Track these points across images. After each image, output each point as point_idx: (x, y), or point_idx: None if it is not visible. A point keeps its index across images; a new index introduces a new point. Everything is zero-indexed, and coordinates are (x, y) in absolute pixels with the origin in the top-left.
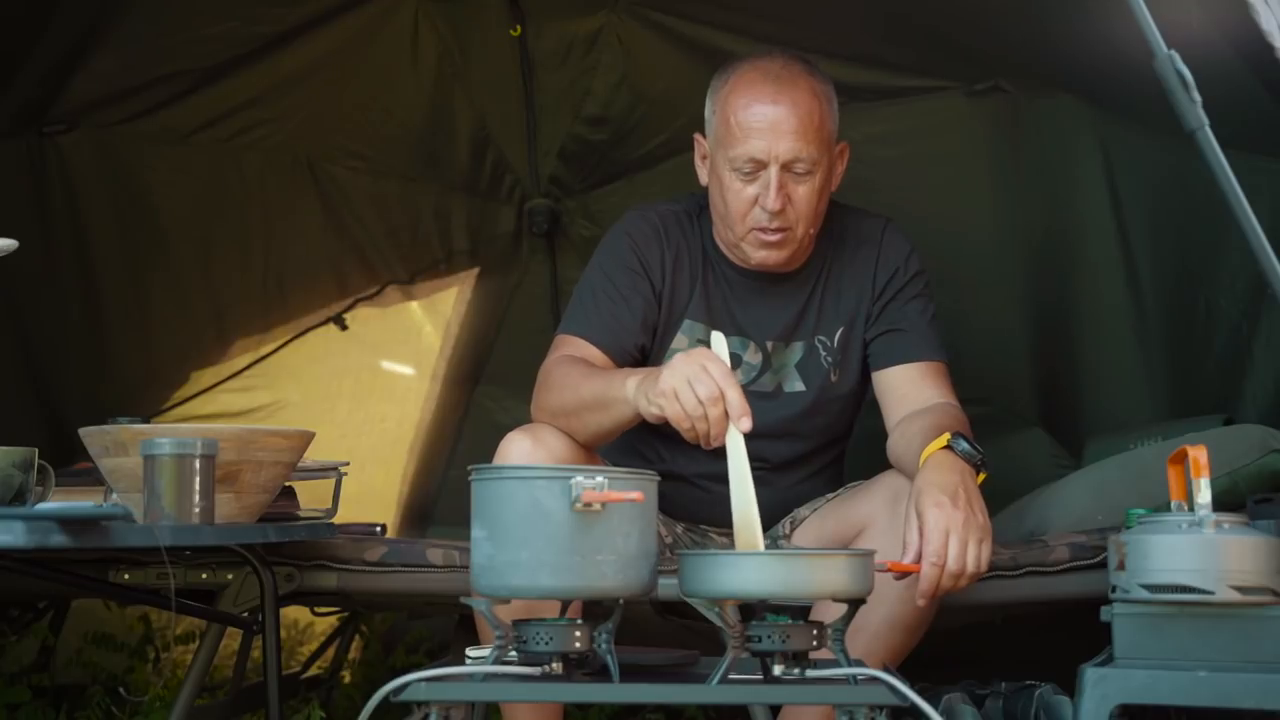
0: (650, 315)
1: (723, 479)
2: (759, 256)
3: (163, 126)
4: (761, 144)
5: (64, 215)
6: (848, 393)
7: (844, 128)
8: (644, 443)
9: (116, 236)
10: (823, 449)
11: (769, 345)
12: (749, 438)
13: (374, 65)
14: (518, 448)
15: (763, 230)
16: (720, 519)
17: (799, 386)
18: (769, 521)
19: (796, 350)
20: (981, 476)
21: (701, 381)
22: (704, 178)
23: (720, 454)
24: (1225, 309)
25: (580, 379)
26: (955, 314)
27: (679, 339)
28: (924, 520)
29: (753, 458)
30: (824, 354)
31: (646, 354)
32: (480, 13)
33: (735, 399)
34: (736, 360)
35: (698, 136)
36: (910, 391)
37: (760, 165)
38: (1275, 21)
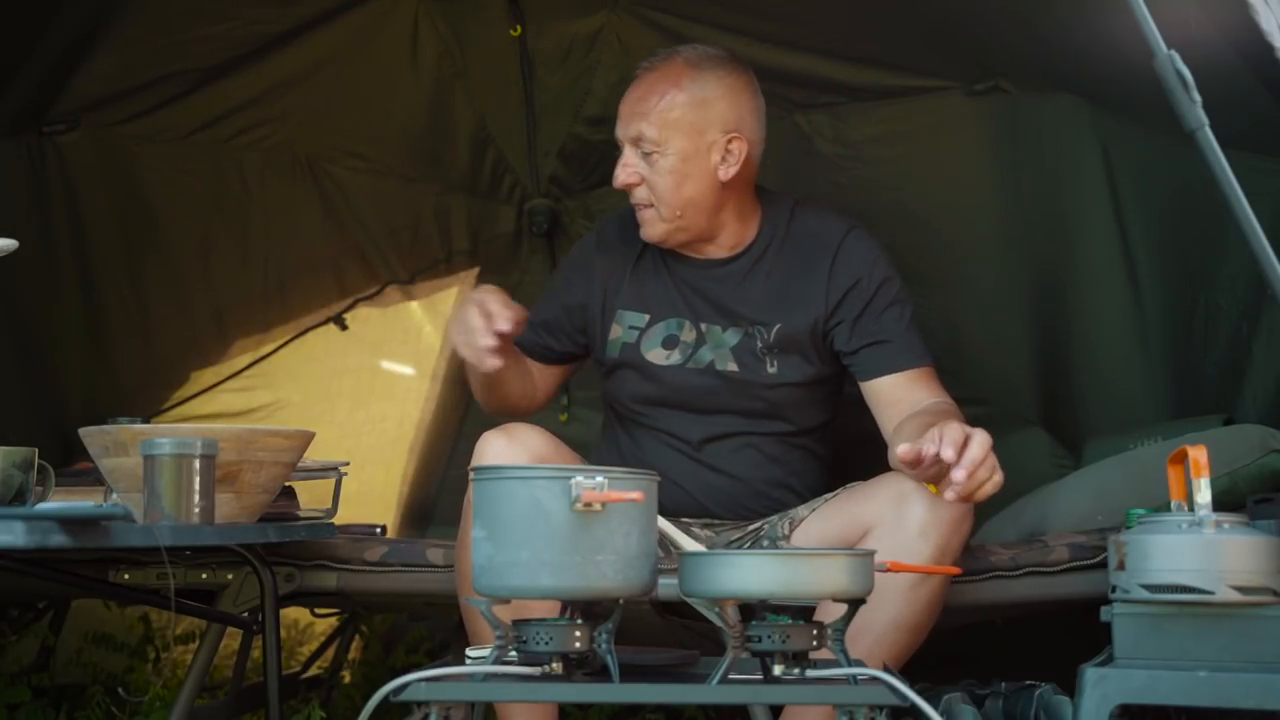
0: (567, 321)
1: (693, 473)
2: (641, 233)
3: (163, 126)
4: (618, 123)
5: (64, 215)
6: (789, 384)
7: (844, 128)
8: (617, 438)
9: (116, 236)
10: (774, 437)
11: (703, 327)
12: (689, 410)
13: (374, 65)
14: (493, 447)
15: (635, 206)
16: (695, 509)
17: (731, 367)
18: (729, 507)
19: (731, 335)
20: None
21: (469, 303)
22: None
23: (687, 447)
24: (1225, 309)
25: None
26: (955, 314)
27: (614, 329)
28: (945, 430)
29: (690, 436)
30: (759, 344)
31: (553, 351)
32: (480, 13)
33: (492, 303)
34: (674, 341)
35: None
36: (902, 398)
37: (620, 144)
38: (1275, 21)
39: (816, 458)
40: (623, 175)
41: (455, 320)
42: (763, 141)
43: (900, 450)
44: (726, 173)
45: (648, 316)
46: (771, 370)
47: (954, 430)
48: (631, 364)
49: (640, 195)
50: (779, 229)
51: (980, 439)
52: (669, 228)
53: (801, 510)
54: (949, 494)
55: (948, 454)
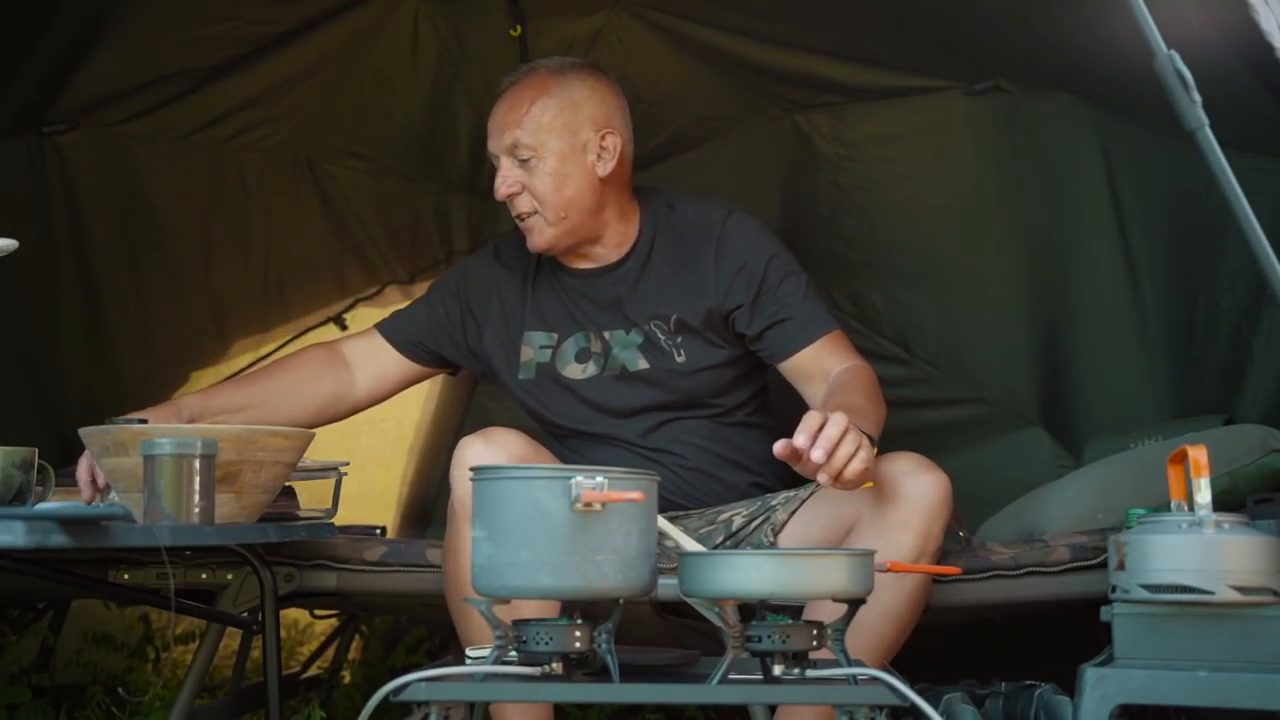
0: (451, 326)
1: (625, 464)
2: (529, 244)
3: (163, 126)
4: (489, 139)
5: (64, 215)
6: (702, 369)
7: (844, 128)
8: (560, 453)
9: (116, 236)
10: (703, 420)
11: (606, 335)
12: (616, 415)
13: (374, 65)
14: (472, 451)
15: (518, 218)
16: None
17: (642, 365)
18: (684, 495)
19: (635, 335)
20: (873, 451)
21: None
22: None
23: (625, 445)
24: (1225, 309)
25: None
26: (955, 314)
27: (524, 350)
28: (804, 420)
29: (624, 435)
30: (662, 338)
31: (447, 361)
32: (480, 13)
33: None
34: (586, 354)
35: None
36: (815, 369)
37: (495, 159)
38: (1275, 21)
39: (757, 428)
40: (504, 188)
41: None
42: (631, 140)
43: (775, 449)
44: (604, 169)
45: (556, 335)
46: (680, 360)
47: (810, 417)
48: (551, 382)
49: (523, 205)
50: (660, 221)
51: (835, 419)
52: (555, 232)
53: (780, 513)
54: (821, 478)
55: (800, 441)
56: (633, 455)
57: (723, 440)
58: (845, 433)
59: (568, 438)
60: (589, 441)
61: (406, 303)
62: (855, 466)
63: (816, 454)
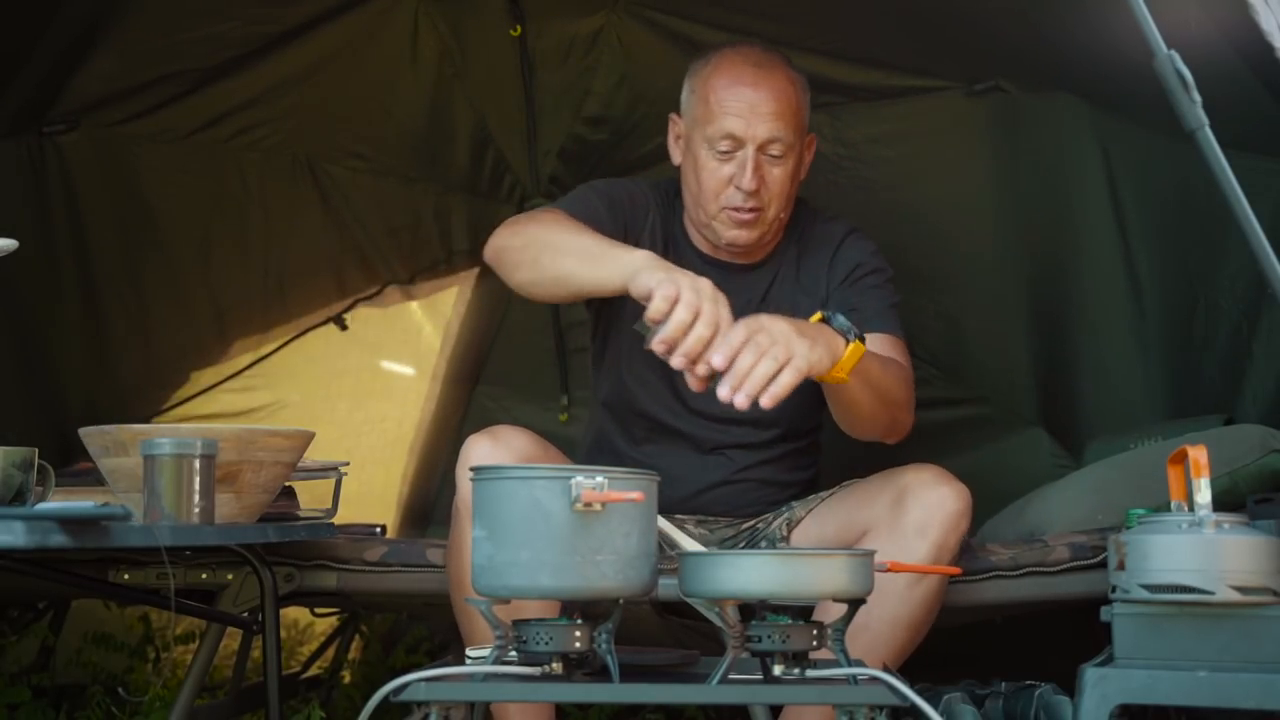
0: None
1: (697, 475)
2: (730, 235)
3: (163, 126)
4: (740, 123)
5: (64, 215)
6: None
7: (844, 128)
8: (614, 435)
9: (116, 236)
10: (769, 444)
11: None
12: (706, 420)
13: (374, 65)
14: (478, 450)
15: (737, 210)
16: (691, 506)
17: None
18: (738, 508)
19: None
20: (860, 348)
21: (711, 297)
22: (677, 158)
23: (684, 442)
24: (1225, 309)
25: (580, 228)
26: (955, 314)
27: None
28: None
29: (698, 436)
30: None
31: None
32: (480, 13)
33: (726, 318)
34: None
35: (673, 116)
36: None
37: (737, 144)
38: (1275, 21)
39: (806, 454)
40: (755, 181)
41: (709, 299)
42: None
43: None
44: (805, 172)
45: None
46: None
47: (732, 328)
48: (651, 354)
49: (760, 199)
50: (796, 231)
51: (741, 324)
52: (767, 230)
53: (798, 510)
54: (722, 391)
55: (717, 361)
56: (689, 453)
57: (777, 462)
58: (749, 342)
59: (632, 418)
60: (648, 427)
61: (407, 302)
62: (747, 358)
63: (716, 359)
